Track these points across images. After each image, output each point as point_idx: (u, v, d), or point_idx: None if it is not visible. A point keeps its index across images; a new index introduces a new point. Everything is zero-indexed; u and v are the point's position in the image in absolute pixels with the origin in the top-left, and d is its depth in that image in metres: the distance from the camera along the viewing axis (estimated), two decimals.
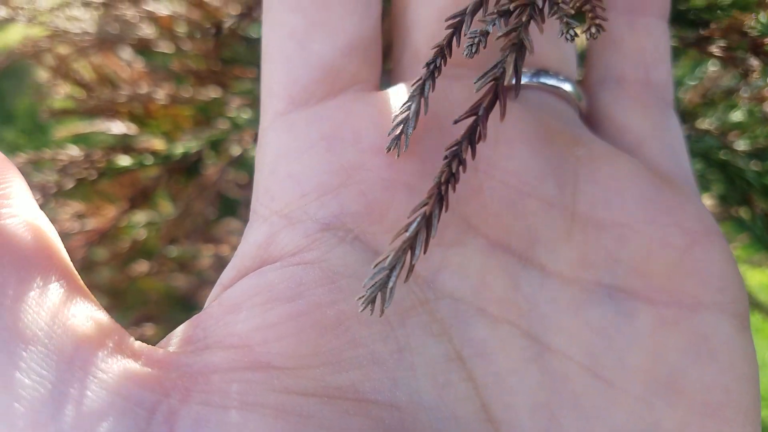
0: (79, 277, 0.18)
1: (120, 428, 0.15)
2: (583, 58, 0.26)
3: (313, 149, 0.20)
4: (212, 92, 0.47)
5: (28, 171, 0.36)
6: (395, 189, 0.20)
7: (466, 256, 0.20)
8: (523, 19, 0.17)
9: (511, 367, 0.19)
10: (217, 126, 0.45)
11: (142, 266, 0.50)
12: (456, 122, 0.18)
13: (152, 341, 0.55)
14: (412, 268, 0.16)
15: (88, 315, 0.17)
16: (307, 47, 0.21)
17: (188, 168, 0.42)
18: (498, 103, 0.17)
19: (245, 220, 0.21)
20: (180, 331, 0.19)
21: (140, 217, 0.51)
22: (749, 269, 0.71)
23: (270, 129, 0.21)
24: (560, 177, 0.21)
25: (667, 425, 0.19)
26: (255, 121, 0.43)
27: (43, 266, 0.16)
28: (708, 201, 0.65)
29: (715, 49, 0.32)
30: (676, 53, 0.36)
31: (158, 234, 0.50)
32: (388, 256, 0.16)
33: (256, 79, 0.47)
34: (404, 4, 0.23)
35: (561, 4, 0.17)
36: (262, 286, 0.19)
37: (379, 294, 0.16)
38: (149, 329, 0.51)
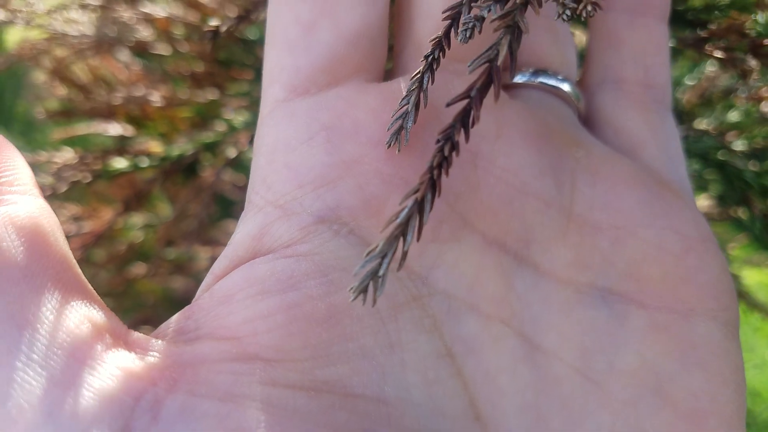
0: (78, 271, 0.18)
1: (105, 414, 0.15)
2: (582, 58, 0.26)
3: (312, 140, 0.20)
4: (209, 94, 0.47)
5: None
6: (393, 184, 0.20)
7: (461, 253, 0.20)
8: (518, 1, 0.17)
9: (501, 366, 0.19)
10: (213, 128, 0.45)
11: (139, 269, 0.50)
12: (449, 105, 0.17)
13: None
14: (404, 255, 0.16)
15: (84, 316, 0.17)
16: (313, 35, 0.21)
17: (184, 170, 0.42)
18: (492, 85, 0.16)
19: None
20: (174, 321, 0.19)
21: (137, 219, 0.51)
22: (748, 269, 0.71)
23: (269, 117, 0.21)
24: (558, 177, 0.21)
25: (652, 430, 0.19)
26: (251, 123, 0.43)
27: (41, 268, 0.17)
28: (706, 201, 0.65)
29: (714, 50, 0.32)
30: (675, 54, 0.36)
31: (155, 236, 0.50)
32: (379, 244, 0.16)
33: (253, 81, 0.47)
34: None
35: None
36: (254, 278, 0.19)
37: (371, 283, 0.15)
38: (146, 332, 0.50)
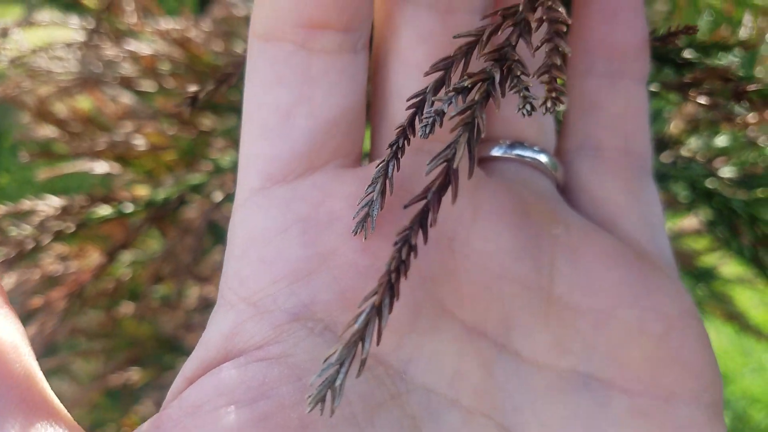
0: (42, 387, 0.17)
1: None
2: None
3: (287, 232, 0.20)
4: (195, 131, 0.47)
5: (5, 225, 0.36)
6: (369, 275, 0.19)
7: (441, 343, 0.19)
8: (476, 97, 0.16)
9: None
10: (200, 168, 0.44)
11: (127, 308, 0.49)
12: (406, 207, 0.17)
13: (138, 386, 0.54)
14: (363, 362, 0.15)
15: None
16: (290, 122, 0.20)
17: (170, 213, 0.41)
18: (450, 186, 0.16)
19: None
20: (144, 430, 0.18)
21: (125, 256, 0.51)
22: (741, 287, 0.71)
23: (244, 206, 0.20)
24: (537, 258, 0.21)
25: None
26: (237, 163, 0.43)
27: (2, 390, 0.16)
28: (695, 220, 0.65)
29: (697, 96, 0.32)
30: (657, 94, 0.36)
31: (144, 273, 0.49)
32: (335, 351, 0.15)
33: (239, 117, 0.47)
34: (384, 73, 0.22)
35: (521, 76, 0.17)
36: (224, 385, 0.18)
37: (329, 392, 0.15)
38: (135, 374, 0.50)
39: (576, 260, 0.21)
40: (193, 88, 0.25)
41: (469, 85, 0.16)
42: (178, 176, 0.44)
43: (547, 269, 0.21)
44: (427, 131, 0.16)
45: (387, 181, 0.18)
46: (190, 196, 0.43)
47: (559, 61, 0.15)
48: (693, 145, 0.53)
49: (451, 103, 0.16)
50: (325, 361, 0.15)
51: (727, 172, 0.51)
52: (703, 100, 0.32)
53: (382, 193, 0.18)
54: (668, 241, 0.23)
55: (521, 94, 0.16)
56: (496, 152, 0.23)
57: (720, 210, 0.49)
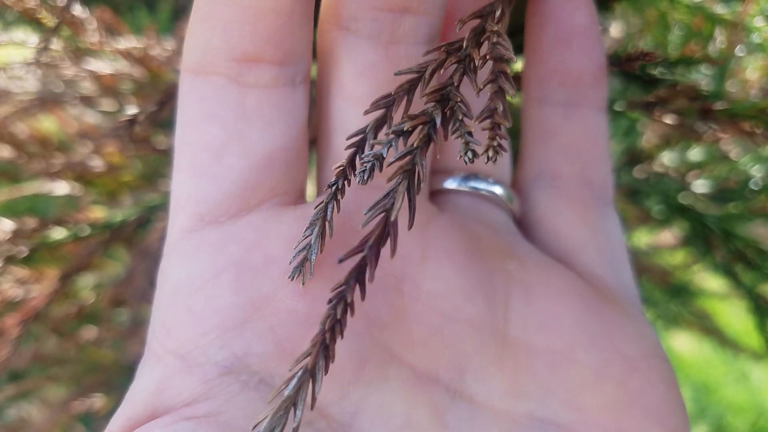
0: None
1: None
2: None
3: (219, 279, 0.18)
4: (152, 151, 0.46)
5: None
6: (309, 323, 0.18)
7: (389, 392, 0.18)
8: (415, 144, 0.15)
9: None
10: (159, 188, 0.43)
11: (90, 332, 0.48)
12: (341, 261, 0.16)
13: (102, 412, 0.53)
14: (296, 430, 0.14)
15: None
16: (222, 160, 0.19)
17: (129, 235, 0.40)
18: (389, 238, 0.15)
19: None
20: None
21: (88, 279, 0.50)
22: (719, 300, 0.70)
23: (174, 250, 0.19)
24: (490, 297, 0.20)
25: None
26: None
27: None
28: (671, 236, 0.65)
29: (663, 115, 0.31)
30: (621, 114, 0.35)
31: (105, 296, 0.48)
32: (265, 419, 0.14)
33: None
34: (327, 106, 0.21)
35: (463, 120, 0.16)
36: None
37: None
38: (99, 400, 0.49)
39: (531, 298, 0.20)
40: (132, 111, 0.24)
41: (410, 129, 0.15)
42: (137, 197, 0.43)
43: (501, 309, 0.20)
44: (365, 177, 0.15)
45: (326, 223, 0.17)
46: (149, 216, 0.41)
47: (502, 106, 0.14)
48: (666, 159, 0.52)
49: (391, 146, 0.15)
50: (254, 428, 0.14)
51: (700, 186, 0.50)
52: (669, 119, 0.31)
53: (321, 235, 0.17)
54: (631, 274, 0.22)
55: (463, 140, 0.15)
56: (450, 185, 0.22)
57: (694, 225, 0.48)
